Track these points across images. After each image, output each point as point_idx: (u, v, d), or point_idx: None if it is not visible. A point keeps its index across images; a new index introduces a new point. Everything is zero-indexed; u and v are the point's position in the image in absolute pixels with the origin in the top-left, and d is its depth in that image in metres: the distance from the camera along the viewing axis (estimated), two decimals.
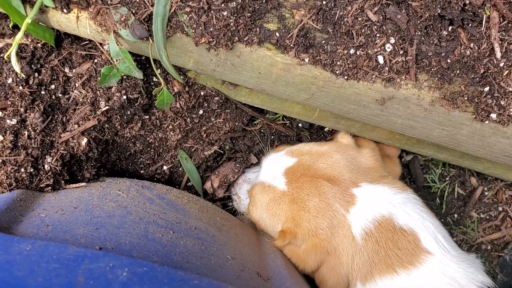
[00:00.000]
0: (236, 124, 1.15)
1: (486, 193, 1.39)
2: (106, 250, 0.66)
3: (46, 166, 0.90)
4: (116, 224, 0.77)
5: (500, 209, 1.40)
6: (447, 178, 1.37)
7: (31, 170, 0.88)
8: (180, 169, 1.18)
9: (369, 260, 0.86)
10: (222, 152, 1.20)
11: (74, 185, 0.93)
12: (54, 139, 0.92)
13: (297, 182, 0.90)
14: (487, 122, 0.86)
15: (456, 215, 1.40)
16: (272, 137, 1.25)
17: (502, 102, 0.84)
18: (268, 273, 0.86)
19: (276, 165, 0.96)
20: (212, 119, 1.12)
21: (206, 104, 1.09)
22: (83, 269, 0.55)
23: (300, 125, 1.25)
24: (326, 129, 1.26)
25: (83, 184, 0.94)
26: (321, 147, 0.96)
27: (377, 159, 0.98)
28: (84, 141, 0.94)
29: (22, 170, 0.87)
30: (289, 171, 0.93)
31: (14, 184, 0.86)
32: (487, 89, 0.84)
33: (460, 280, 0.82)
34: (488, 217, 1.41)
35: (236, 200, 1.14)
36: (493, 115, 0.85)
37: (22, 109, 0.88)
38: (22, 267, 0.53)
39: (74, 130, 0.93)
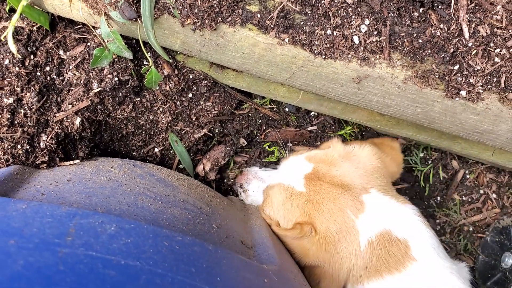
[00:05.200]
0: (225, 107, 1.20)
1: (468, 176, 1.44)
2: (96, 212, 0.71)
3: (41, 144, 0.94)
4: (107, 194, 0.82)
5: (482, 192, 1.45)
6: (430, 162, 1.42)
7: (27, 147, 0.92)
8: (171, 151, 1.22)
9: (364, 266, 0.92)
10: (211, 135, 1.24)
11: (68, 163, 0.98)
12: (49, 118, 0.96)
13: (315, 186, 0.97)
14: (457, 99, 0.91)
15: (439, 198, 1.45)
16: (260, 121, 1.30)
17: (471, 80, 0.90)
18: (252, 242, 0.91)
19: (296, 169, 1.04)
20: (201, 103, 1.17)
21: (195, 88, 1.14)
22: (74, 223, 0.60)
23: (286, 109, 1.30)
24: (312, 114, 1.32)
25: (77, 161, 0.99)
26: (332, 156, 1.03)
27: (379, 156, 1.04)
28: (77, 120, 0.99)
29: (19, 146, 0.92)
30: (307, 176, 1.00)
31: (11, 160, 0.91)
32: (456, 67, 0.89)
33: (437, 286, 0.88)
34: (470, 200, 1.46)
35: (242, 194, 1.21)
36: (463, 92, 0.90)
37: (18, 89, 0.93)
38: (18, 220, 0.58)
39: (68, 110, 0.98)
